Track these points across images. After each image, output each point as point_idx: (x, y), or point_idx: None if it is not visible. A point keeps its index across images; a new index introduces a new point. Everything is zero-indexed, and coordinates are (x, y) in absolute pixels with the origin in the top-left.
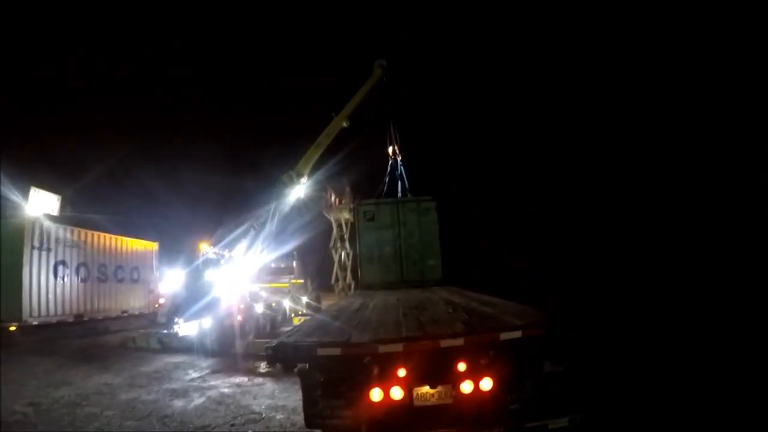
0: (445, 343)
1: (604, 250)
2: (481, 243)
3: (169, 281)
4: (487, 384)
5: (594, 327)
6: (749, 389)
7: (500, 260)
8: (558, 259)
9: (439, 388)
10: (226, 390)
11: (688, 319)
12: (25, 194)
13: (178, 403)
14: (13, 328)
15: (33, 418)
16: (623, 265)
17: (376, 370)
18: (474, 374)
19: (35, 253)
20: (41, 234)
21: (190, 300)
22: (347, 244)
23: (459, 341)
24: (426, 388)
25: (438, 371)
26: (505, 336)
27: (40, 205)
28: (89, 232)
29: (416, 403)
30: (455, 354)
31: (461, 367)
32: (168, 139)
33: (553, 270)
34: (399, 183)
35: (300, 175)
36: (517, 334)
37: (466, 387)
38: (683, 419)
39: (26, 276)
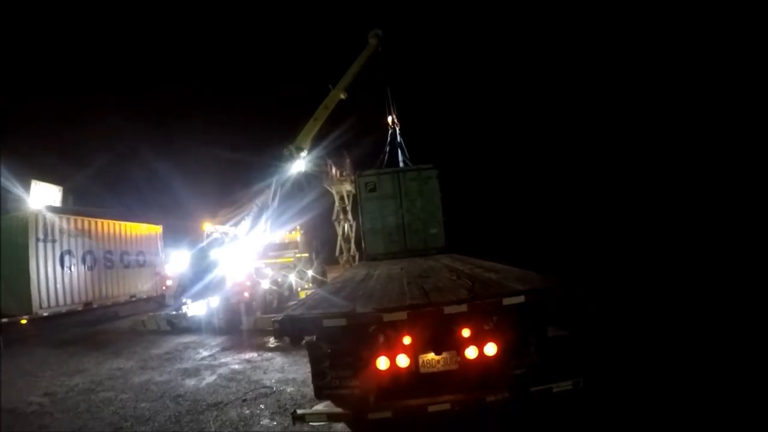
0: (448, 309)
1: (607, 216)
2: (484, 210)
3: (176, 263)
4: (491, 349)
5: (597, 291)
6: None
7: (503, 226)
8: (562, 223)
9: (444, 355)
10: (236, 366)
11: (691, 280)
12: (27, 187)
13: (190, 382)
14: (24, 321)
15: (49, 408)
16: (627, 230)
17: (381, 339)
18: (478, 340)
19: (41, 245)
20: (45, 226)
21: (197, 280)
22: (350, 216)
23: (463, 307)
24: (431, 355)
25: (443, 338)
26: (508, 301)
27: (42, 197)
28: (93, 220)
29: (422, 370)
30: (459, 320)
31: (465, 333)
32: (167, 120)
33: (557, 235)
34: (399, 152)
35: (300, 149)
36: (520, 299)
37: (471, 353)
38: (683, 381)
39: (33, 269)
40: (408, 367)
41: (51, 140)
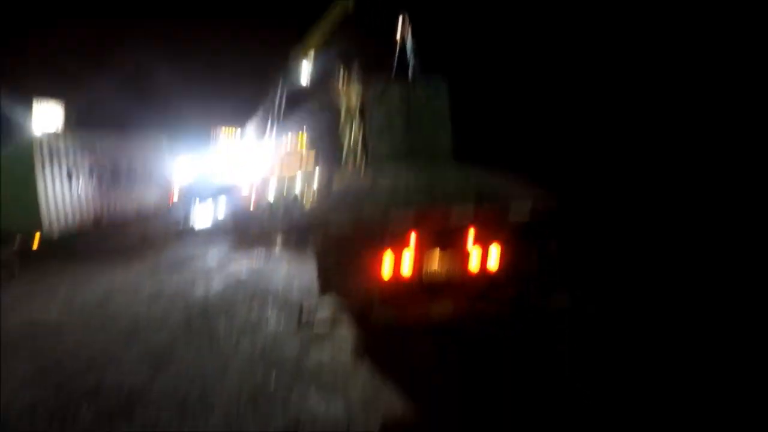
0: (455, 212)
1: (620, 133)
2: (494, 121)
3: (182, 172)
4: (493, 261)
5: (602, 209)
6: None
7: (514, 138)
8: (573, 140)
9: (448, 263)
10: (244, 271)
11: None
12: (29, 108)
13: (200, 290)
14: (36, 242)
15: (65, 320)
16: (638, 151)
17: (386, 243)
18: (482, 248)
19: (47, 165)
20: (49, 145)
21: (204, 189)
22: (357, 126)
23: (469, 212)
24: (435, 264)
25: (447, 245)
26: (514, 211)
27: (45, 117)
28: (97, 135)
29: (425, 277)
30: (464, 228)
31: (469, 241)
32: (170, 28)
33: (566, 151)
34: (409, 62)
35: (306, 55)
36: (527, 210)
37: (474, 263)
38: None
39: (41, 190)
40: (411, 273)
41: (49, 58)
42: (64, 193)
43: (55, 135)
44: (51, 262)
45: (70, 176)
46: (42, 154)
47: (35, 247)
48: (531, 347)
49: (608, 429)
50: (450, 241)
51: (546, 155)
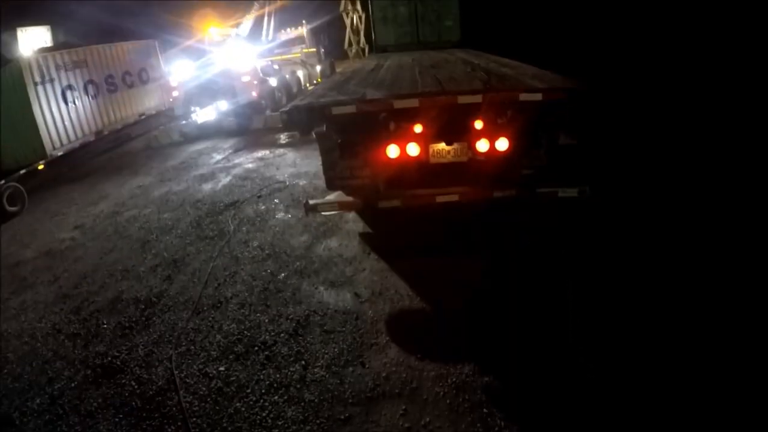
0: (462, 99)
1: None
2: (506, 8)
3: (180, 72)
4: (502, 145)
5: (613, 101)
6: None
7: (525, 23)
8: (585, 27)
9: (455, 146)
10: (249, 166)
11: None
12: (13, 36)
13: (207, 187)
14: (41, 167)
15: (80, 239)
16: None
17: (392, 127)
18: (490, 133)
19: (39, 88)
20: (40, 68)
21: (204, 86)
22: (359, 6)
23: (477, 98)
24: (442, 145)
25: (454, 128)
26: (524, 97)
27: (31, 40)
28: (87, 50)
29: (432, 160)
30: (472, 112)
31: (478, 125)
32: None
33: (578, 40)
34: None
35: None
36: (537, 96)
37: (482, 146)
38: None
39: (38, 113)
40: (418, 156)
41: None
42: (61, 113)
43: (44, 56)
44: (58, 185)
45: (65, 94)
46: (33, 78)
47: (41, 168)
48: (539, 233)
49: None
50: (458, 125)
51: (559, 43)
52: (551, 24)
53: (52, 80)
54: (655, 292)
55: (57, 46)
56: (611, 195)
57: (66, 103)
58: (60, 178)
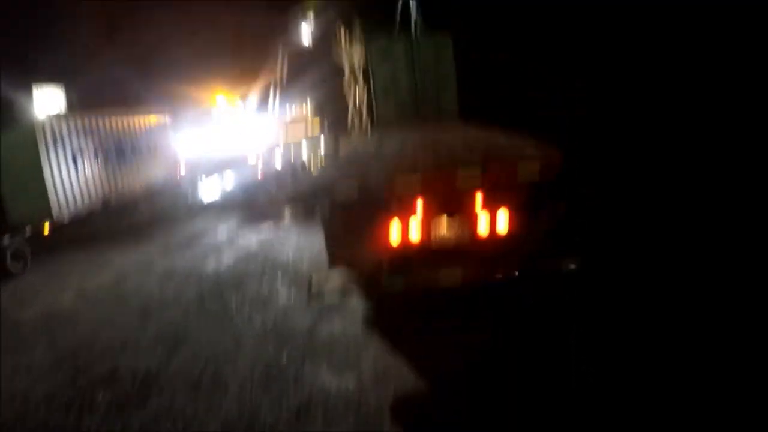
0: (462, 174)
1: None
2: (501, 80)
3: (188, 147)
4: (502, 223)
5: (612, 167)
6: None
7: (520, 97)
8: (580, 99)
9: (457, 224)
10: (254, 242)
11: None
12: (29, 94)
13: (211, 262)
14: (47, 228)
15: (81, 305)
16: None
17: (393, 207)
18: (490, 211)
19: (51, 150)
20: (53, 130)
21: (210, 162)
22: (361, 85)
23: (476, 172)
24: (443, 228)
25: (455, 207)
26: (521, 171)
27: (45, 101)
28: (100, 116)
29: (434, 239)
30: (472, 188)
31: (478, 202)
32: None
33: (574, 111)
34: (412, 17)
35: (307, 13)
36: (535, 170)
37: (483, 225)
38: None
39: (48, 175)
40: (420, 239)
41: (45, 42)
42: (70, 177)
43: (58, 119)
44: (62, 248)
45: (75, 159)
46: (46, 139)
47: (46, 233)
48: (542, 310)
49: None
50: (458, 205)
51: (554, 113)
52: (549, 94)
53: (63, 143)
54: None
55: (70, 111)
56: (613, 265)
57: (76, 167)
58: (65, 241)
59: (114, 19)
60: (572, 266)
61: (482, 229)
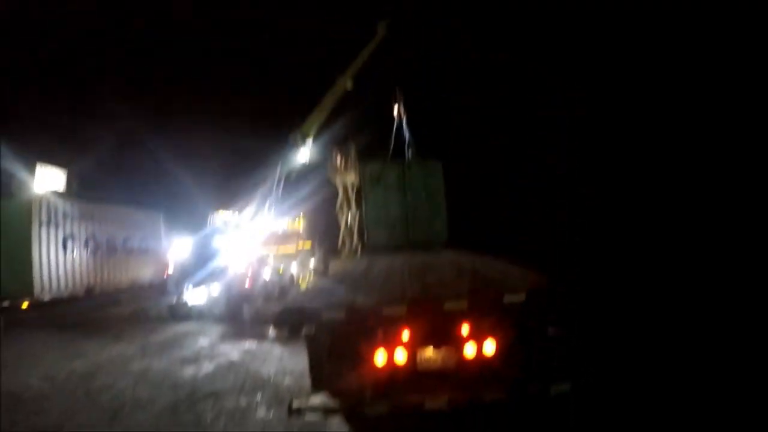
0: (448, 305)
1: (610, 214)
2: (489, 204)
3: (178, 249)
4: (490, 348)
5: (599, 291)
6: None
7: (507, 222)
8: (566, 222)
9: (443, 352)
10: (235, 356)
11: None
12: (31, 170)
13: (189, 370)
14: (25, 305)
15: (48, 391)
16: (630, 226)
17: (380, 333)
18: (477, 338)
19: (43, 228)
20: (48, 209)
21: (199, 267)
22: (354, 207)
23: (462, 303)
24: (430, 352)
25: (442, 334)
26: (509, 299)
27: (46, 180)
28: (96, 205)
29: (420, 366)
30: (459, 317)
31: (465, 330)
32: (171, 105)
33: (561, 233)
34: (405, 143)
35: (305, 137)
36: (521, 297)
37: (470, 351)
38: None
39: (36, 252)
40: (406, 362)
41: (54, 125)
42: (58, 259)
43: (55, 200)
44: (39, 328)
45: (65, 242)
46: (40, 217)
47: (24, 307)
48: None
49: None
50: (444, 333)
51: (539, 236)
52: (536, 221)
53: (57, 225)
54: None
55: (69, 194)
56: (605, 387)
57: (65, 251)
58: (42, 322)
59: (126, 124)
60: (564, 389)
61: (469, 352)
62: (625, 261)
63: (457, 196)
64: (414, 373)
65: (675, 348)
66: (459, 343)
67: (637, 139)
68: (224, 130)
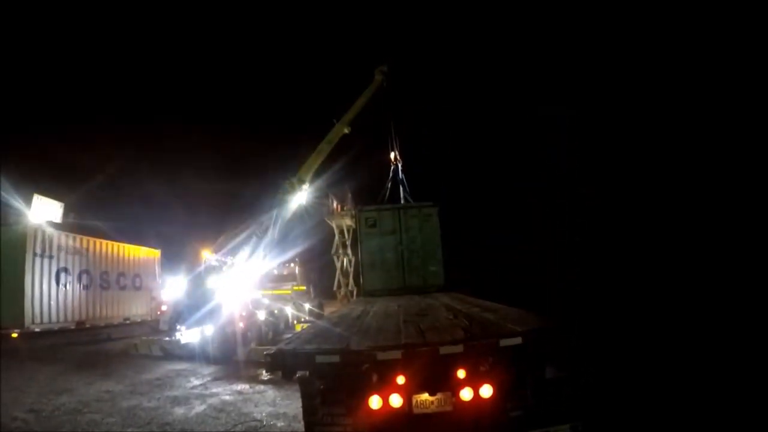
0: (444, 350)
1: (605, 254)
2: (484, 248)
3: (172, 288)
4: (486, 391)
5: (597, 332)
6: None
7: (502, 265)
8: (561, 263)
9: (439, 396)
10: (227, 397)
11: (687, 320)
12: (28, 201)
13: (179, 411)
14: (15, 335)
15: (34, 425)
16: (624, 267)
17: (375, 378)
18: (474, 381)
19: (37, 260)
20: (43, 241)
21: (192, 307)
22: (349, 251)
23: (458, 348)
24: (425, 396)
25: (437, 378)
26: (505, 342)
27: (42, 212)
28: (91, 239)
29: (415, 410)
30: (455, 361)
31: (461, 374)
32: (170, 146)
33: (557, 273)
34: (400, 188)
35: (302, 182)
36: (518, 340)
37: (466, 394)
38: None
39: (28, 283)
40: (401, 407)
41: (53, 159)
42: (50, 291)
43: (50, 231)
44: (25, 360)
45: (59, 275)
46: (35, 248)
47: (14, 337)
48: None
49: None
50: (440, 379)
51: (538, 276)
52: (529, 264)
53: (51, 257)
54: None
55: (64, 226)
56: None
57: (57, 283)
58: (30, 354)
59: (124, 161)
60: (565, 431)
61: (466, 397)
62: (623, 302)
63: (453, 240)
64: (410, 417)
65: (677, 389)
66: (455, 387)
67: (631, 180)
68: (222, 172)
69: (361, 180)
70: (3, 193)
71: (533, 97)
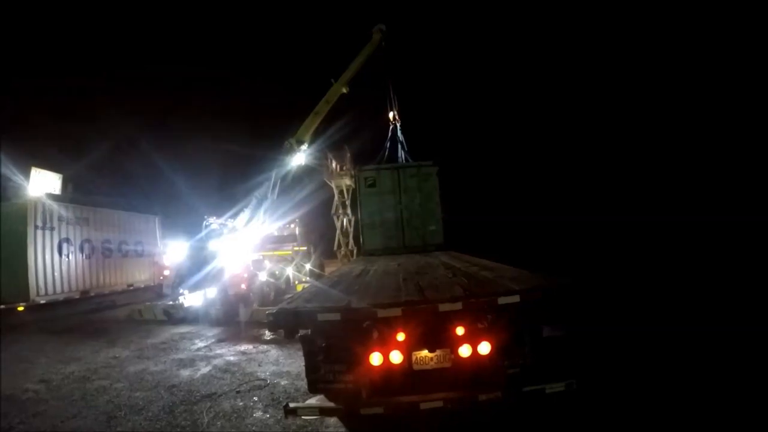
0: (443, 307)
1: (604, 214)
2: (483, 207)
3: (173, 253)
4: (485, 348)
5: (594, 291)
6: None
7: (502, 224)
8: (559, 223)
9: (438, 352)
10: (231, 358)
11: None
12: (27, 175)
13: (185, 373)
14: (21, 308)
15: (45, 395)
16: (624, 226)
17: (375, 335)
18: (472, 338)
19: (39, 232)
20: (44, 213)
21: (195, 270)
22: (349, 211)
23: (457, 305)
24: (425, 352)
25: (437, 335)
26: (503, 300)
27: (42, 184)
28: (92, 209)
29: (415, 367)
30: (454, 318)
31: (460, 331)
32: (168, 112)
33: (555, 232)
34: (399, 148)
35: (300, 143)
36: (516, 298)
37: (465, 351)
38: (678, 384)
39: (31, 256)
40: (401, 363)
41: (51, 130)
42: (53, 262)
43: (50, 203)
44: (33, 332)
45: (61, 246)
46: (36, 221)
47: (21, 310)
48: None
49: None
50: (440, 332)
51: (535, 237)
52: (528, 222)
53: (52, 229)
54: None
55: (64, 197)
56: (601, 386)
57: (60, 254)
58: (37, 326)
59: (122, 128)
60: (559, 389)
61: (464, 354)
62: (623, 260)
63: (452, 198)
64: (409, 373)
65: (672, 348)
66: (454, 344)
67: (632, 138)
68: (220, 135)
69: (360, 140)
70: (2, 168)
71: (533, 56)
